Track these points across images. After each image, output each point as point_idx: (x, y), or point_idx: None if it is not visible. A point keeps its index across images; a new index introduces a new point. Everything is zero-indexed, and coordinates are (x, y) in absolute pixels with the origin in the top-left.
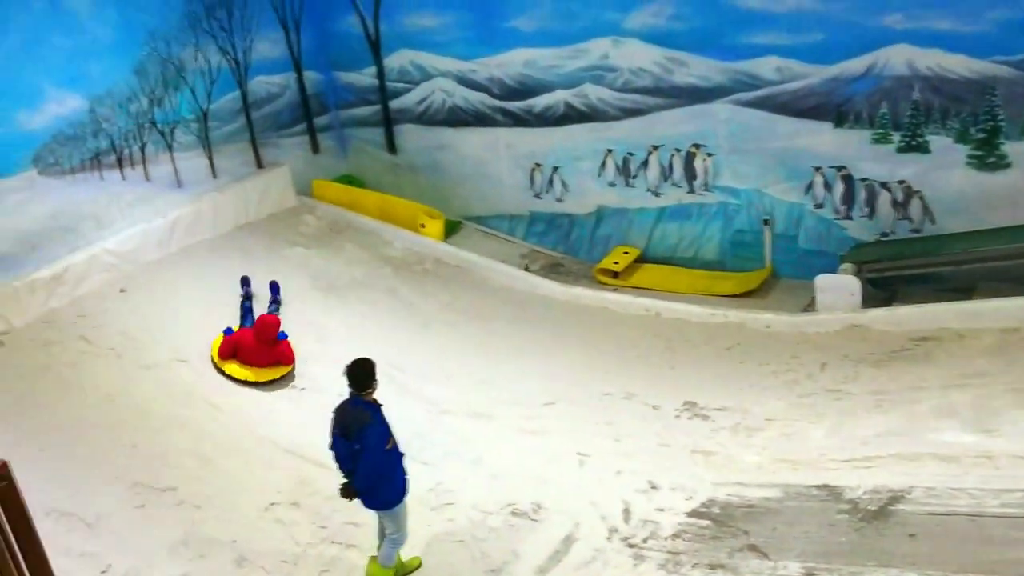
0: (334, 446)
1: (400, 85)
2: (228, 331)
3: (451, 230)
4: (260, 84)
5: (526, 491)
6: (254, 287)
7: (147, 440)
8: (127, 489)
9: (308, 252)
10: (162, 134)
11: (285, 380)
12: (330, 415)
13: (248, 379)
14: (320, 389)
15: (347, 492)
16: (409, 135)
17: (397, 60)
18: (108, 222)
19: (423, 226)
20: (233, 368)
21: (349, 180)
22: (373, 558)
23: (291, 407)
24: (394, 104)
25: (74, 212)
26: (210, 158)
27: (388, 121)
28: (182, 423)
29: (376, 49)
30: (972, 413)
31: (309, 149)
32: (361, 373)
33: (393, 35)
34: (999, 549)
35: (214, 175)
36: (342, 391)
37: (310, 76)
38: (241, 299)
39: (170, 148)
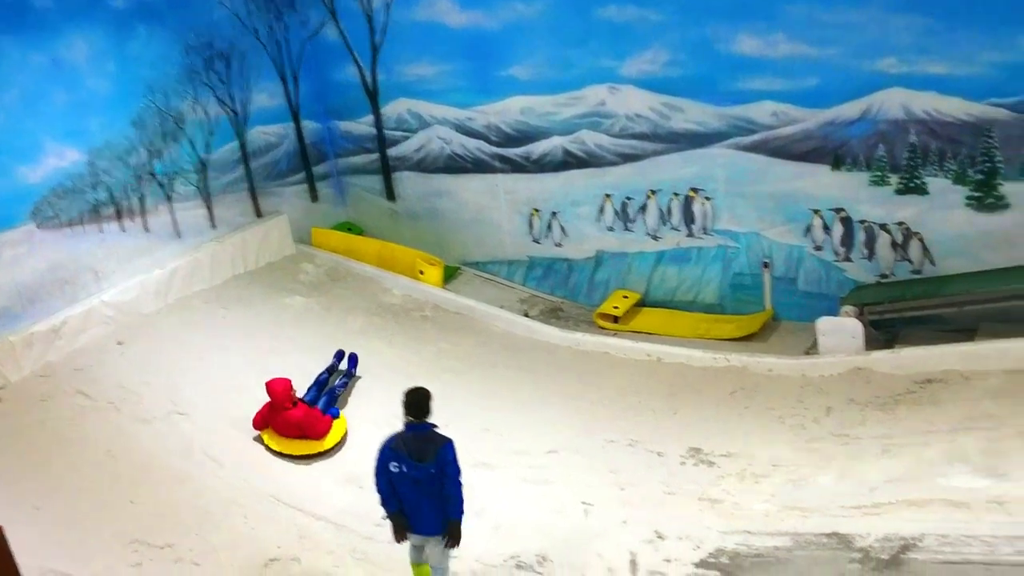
0: (393, 479)
1: (398, 133)
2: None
3: (450, 276)
4: (258, 134)
5: (530, 542)
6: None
7: (145, 495)
8: (125, 546)
9: (307, 300)
10: (161, 185)
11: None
12: (380, 449)
13: (277, 450)
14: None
15: (455, 537)
16: (407, 182)
17: (395, 108)
18: (106, 274)
19: (422, 272)
20: (267, 435)
21: (348, 228)
22: None
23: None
24: (392, 152)
25: (72, 265)
26: (209, 208)
27: (386, 168)
28: (181, 478)
29: (374, 98)
30: (982, 457)
31: (308, 197)
32: (421, 399)
33: (390, 84)
34: None
35: (213, 225)
36: (344, 442)
37: (308, 125)
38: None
39: (169, 199)
